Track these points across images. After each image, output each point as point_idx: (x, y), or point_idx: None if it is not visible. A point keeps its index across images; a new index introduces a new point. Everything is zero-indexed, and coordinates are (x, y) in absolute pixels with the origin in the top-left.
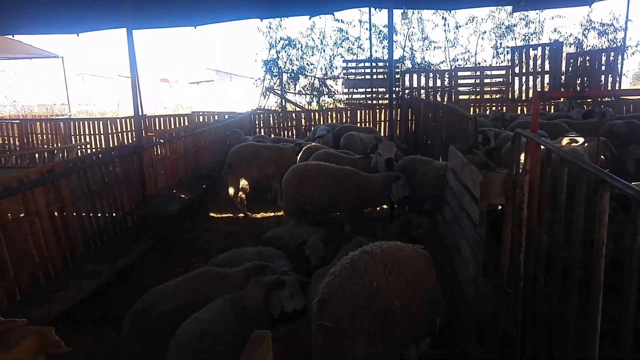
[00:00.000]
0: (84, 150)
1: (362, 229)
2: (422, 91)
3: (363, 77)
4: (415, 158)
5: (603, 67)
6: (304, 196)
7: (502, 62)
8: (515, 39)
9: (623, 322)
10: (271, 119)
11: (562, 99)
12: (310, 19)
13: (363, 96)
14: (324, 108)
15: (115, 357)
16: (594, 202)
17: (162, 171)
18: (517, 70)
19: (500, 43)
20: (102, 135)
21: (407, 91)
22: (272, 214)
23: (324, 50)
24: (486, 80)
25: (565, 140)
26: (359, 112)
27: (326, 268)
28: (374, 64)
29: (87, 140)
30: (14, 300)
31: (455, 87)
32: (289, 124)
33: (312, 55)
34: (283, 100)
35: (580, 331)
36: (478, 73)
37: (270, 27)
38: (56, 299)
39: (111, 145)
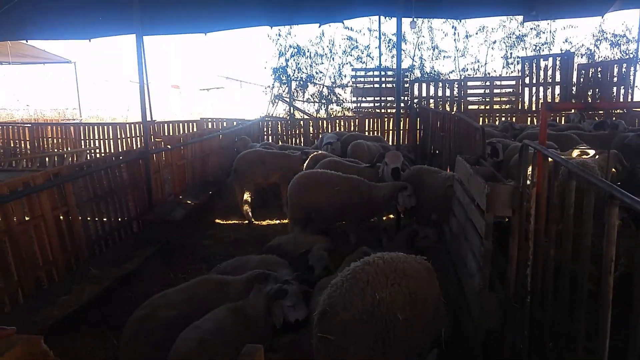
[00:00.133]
0: (93, 154)
1: (368, 239)
2: (432, 101)
3: (372, 85)
4: (422, 168)
5: (615, 79)
6: (309, 204)
7: (512, 72)
8: (525, 49)
9: (632, 341)
10: (279, 126)
11: (572, 110)
12: (320, 27)
13: (372, 105)
14: (332, 116)
15: None
16: (604, 216)
17: (168, 177)
18: (527, 80)
19: (511, 53)
20: (111, 140)
21: (416, 100)
22: (277, 221)
23: (333, 59)
24: (496, 91)
25: (575, 152)
26: (367, 120)
27: (330, 278)
28: (383, 73)
29: (97, 144)
30: (17, 303)
31: (465, 97)
32: (297, 132)
33: (321, 64)
34: (291, 108)
35: (589, 350)
36: (488, 83)
37: (279, 35)
38: (58, 304)
39: (120, 150)
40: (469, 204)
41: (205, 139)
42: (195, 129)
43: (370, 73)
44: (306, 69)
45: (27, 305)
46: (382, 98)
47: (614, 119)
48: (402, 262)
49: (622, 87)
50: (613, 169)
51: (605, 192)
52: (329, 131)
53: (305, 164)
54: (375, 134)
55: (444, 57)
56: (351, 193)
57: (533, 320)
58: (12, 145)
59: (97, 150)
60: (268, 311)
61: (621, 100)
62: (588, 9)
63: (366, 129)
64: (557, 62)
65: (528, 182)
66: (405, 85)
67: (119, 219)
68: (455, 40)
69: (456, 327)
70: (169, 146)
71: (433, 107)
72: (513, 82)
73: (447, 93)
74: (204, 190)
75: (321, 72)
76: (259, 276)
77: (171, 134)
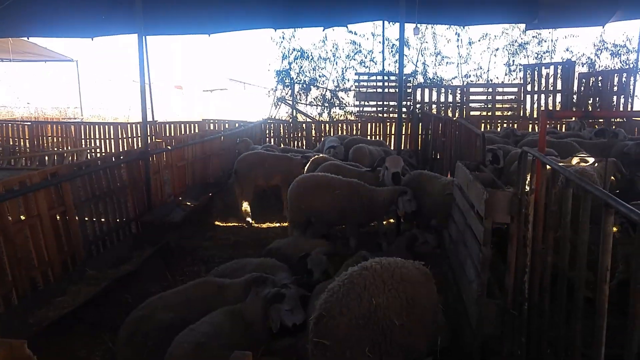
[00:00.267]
0: (93, 154)
1: (368, 243)
2: (434, 106)
3: (375, 90)
4: (422, 173)
5: (615, 88)
6: (309, 207)
7: (514, 79)
8: (527, 56)
9: (627, 347)
10: (282, 128)
11: (573, 118)
12: (323, 30)
13: (374, 109)
14: (335, 120)
15: None
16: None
17: (168, 178)
18: (529, 88)
19: (513, 60)
20: (112, 140)
21: (418, 106)
22: (277, 224)
23: (336, 63)
24: (498, 97)
25: (575, 160)
26: (369, 124)
27: (328, 282)
28: (386, 78)
29: (97, 144)
30: (10, 304)
31: (467, 103)
32: (299, 135)
33: (324, 68)
34: (294, 111)
35: (586, 357)
36: (490, 90)
37: (283, 38)
38: (54, 305)
39: (120, 150)
40: (468, 210)
41: (207, 140)
42: (197, 130)
43: (374, 78)
44: (309, 72)
45: (22, 306)
46: (385, 103)
47: (613, 127)
48: (399, 267)
49: (622, 96)
50: (612, 177)
51: (601, 200)
52: (331, 134)
53: (306, 167)
54: (378, 138)
55: (447, 63)
56: (351, 197)
57: (531, 327)
58: (11, 143)
59: (98, 150)
60: (265, 315)
61: (621, 109)
62: (589, 18)
63: (368, 133)
64: (559, 71)
65: (527, 188)
66: (408, 91)
67: (118, 220)
68: (458, 46)
69: (455, 333)
70: (169, 147)
71: (435, 113)
72: (515, 89)
73: (450, 99)
74: (204, 191)
75: (324, 76)
76: (257, 279)
77: (172, 134)
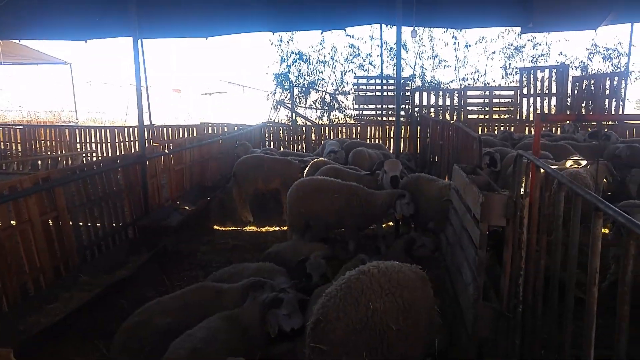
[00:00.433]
0: (89, 158)
1: (367, 247)
2: (432, 109)
3: (374, 93)
4: (419, 176)
5: (607, 91)
6: (308, 211)
7: (510, 82)
8: (523, 59)
9: (616, 350)
10: (281, 132)
11: (567, 121)
12: (321, 34)
13: (373, 112)
14: (334, 123)
15: None
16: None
17: (165, 181)
18: (525, 91)
19: (509, 64)
20: (108, 144)
21: (416, 109)
22: (277, 228)
23: (334, 66)
24: (495, 100)
25: (569, 163)
26: (368, 128)
27: (327, 286)
28: (384, 81)
29: (93, 148)
30: (0, 311)
31: (465, 107)
32: (299, 138)
33: (323, 71)
34: (293, 114)
35: (577, 358)
36: (487, 93)
37: (281, 41)
38: (45, 311)
39: (117, 154)
40: (465, 213)
41: (204, 143)
42: (195, 134)
43: (372, 81)
44: (308, 75)
45: (12, 312)
46: (384, 106)
47: (605, 130)
48: (396, 271)
49: (614, 99)
50: (605, 180)
51: (590, 203)
52: (331, 138)
53: (305, 171)
54: (377, 142)
55: (445, 66)
56: (350, 200)
57: (525, 329)
58: (2, 147)
59: (94, 154)
60: (263, 320)
61: (613, 112)
62: (582, 22)
63: (368, 137)
64: (553, 74)
65: (522, 192)
66: (407, 94)
67: (114, 224)
68: (455, 50)
69: (451, 336)
70: (166, 150)
71: (433, 116)
72: (512, 93)
73: (448, 102)
74: (202, 195)
75: (323, 79)
76: (254, 284)
77: (170, 138)
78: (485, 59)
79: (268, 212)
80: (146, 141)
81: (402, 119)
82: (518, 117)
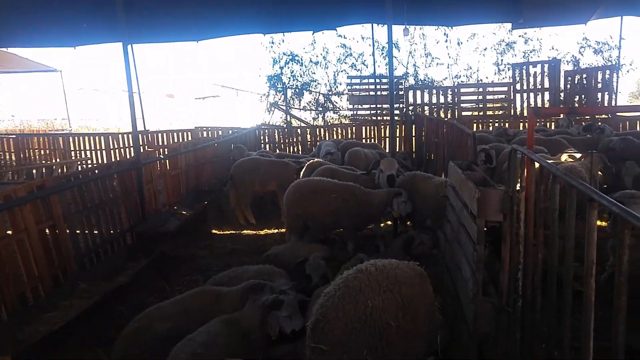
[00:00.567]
0: (84, 165)
1: (366, 246)
2: (426, 108)
3: (367, 93)
4: (415, 174)
5: (599, 85)
6: (305, 212)
7: (503, 78)
8: (515, 55)
9: (614, 342)
10: (276, 134)
11: (561, 116)
12: (313, 34)
13: (368, 112)
14: (329, 124)
15: None
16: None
17: (162, 187)
18: (518, 87)
19: (502, 60)
20: (103, 151)
21: (411, 108)
22: (275, 230)
23: (327, 66)
24: (489, 97)
25: (564, 156)
26: (363, 128)
27: (327, 286)
28: (378, 80)
29: (88, 155)
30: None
31: (459, 104)
32: (294, 140)
33: (315, 73)
34: (288, 116)
35: (576, 350)
36: (480, 89)
37: (273, 42)
38: (44, 320)
39: (112, 161)
40: (462, 210)
41: (199, 147)
42: (190, 138)
43: (366, 81)
44: (301, 76)
45: (11, 321)
46: (378, 105)
47: (599, 123)
48: (394, 268)
49: (607, 93)
50: (599, 172)
51: (585, 194)
52: (327, 139)
53: (302, 172)
54: (372, 141)
55: (437, 64)
56: (347, 200)
57: (525, 324)
58: None
59: (89, 162)
60: (264, 322)
61: (605, 105)
62: (572, 16)
63: (363, 137)
64: (546, 69)
65: (518, 186)
66: (400, 93)
67: (111, 231)
68: (447, 47)
69: (452, 332)
70: (161, 156)
71: (428, 114)
72: (505, 89)
73: (442, 100)
74: (199, 200)
75: (316, 80)
76: (254, 287)
77: (165, 143)
78: (478, 55)
79: (266, 215)
80: (141, 147)
81: (396, 118)
82: (512, 113)
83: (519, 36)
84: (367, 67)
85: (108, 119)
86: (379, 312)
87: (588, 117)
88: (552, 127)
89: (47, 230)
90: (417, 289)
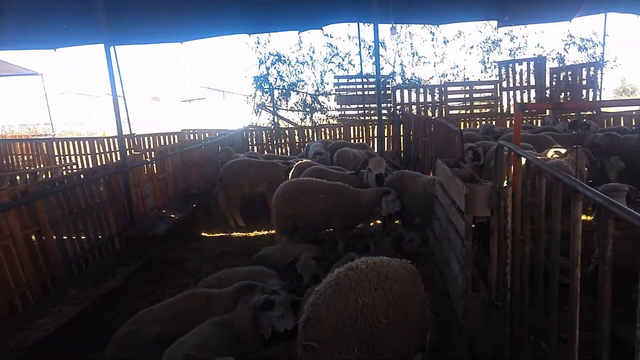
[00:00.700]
0: (69, 170)
1: (356, 246)
2: (414, 107)
3: (355, 93)
4: (403, 173)
5: (584, 82)
6: (295, 213)
7: (490, 76)
8: (501, 53)
9: (599, 332)
10: (264, 136)
11: (547, 112)
12: (299, 34)
13: (356, 112)
14: (317, 124)
15: None
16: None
17: (149, 190)
18: (504, 84)
19: (488, 58)
20: (88, 156)
21: (398, 107)
22: (265, 232)
23: (314, 66)
24: (475, 95)
25: (550, 152)
26: (352, 128)
27: (318, 285)
28: (365, 80)
29: (73, 160)
30: None
31: (446, 102)
32: (282, 141)
33: (302, 73)
34: (275, 117)
35: (563, 341)
36: (467, 88)
37: (258, 43)
38: (34, 327)
39: (98, 165)
40: (450, 206)
41: (186, 150)
42: (176, 141)
43: (353, 80)
44: (288, 77)
45: (1, 329)
46: (366, 105)
47: (584, 120)
48: (384, 266)
49: (591, 89)
50: (585, 168)
51: (569, 187)
52: (315, 139)
53: (290, 173)
54: (360, 142)
55: (424, 62)
56: (336, 200)
57: (514, 317)
58: None
59: (74, 167)
60: (256, 323)
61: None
62: (556, 14)
63: (351, 137)
64: (531, 66)
65: (505, 182)
66: (388, 92)
67: (99, 236)
68: (434, 45)
69: (442, 328)
70: (147, 159)
71: (415, 113)
72: (492, 87)
73: (429, 99)
74: (188, 203)
75: (303, 81)
76: (245, 288)
77: (152, 146)
78: (464, 54)
79: (255, 217)
80: (127, 151)
81: (384, 117)
82: (499, 111)
83: (505, 34)
84: (354, 66)
85: (93, 123)
86: (370, 310)
87: (574, 114)
88: (539, 125)
89: (33, 237)
90: (408, 287)
